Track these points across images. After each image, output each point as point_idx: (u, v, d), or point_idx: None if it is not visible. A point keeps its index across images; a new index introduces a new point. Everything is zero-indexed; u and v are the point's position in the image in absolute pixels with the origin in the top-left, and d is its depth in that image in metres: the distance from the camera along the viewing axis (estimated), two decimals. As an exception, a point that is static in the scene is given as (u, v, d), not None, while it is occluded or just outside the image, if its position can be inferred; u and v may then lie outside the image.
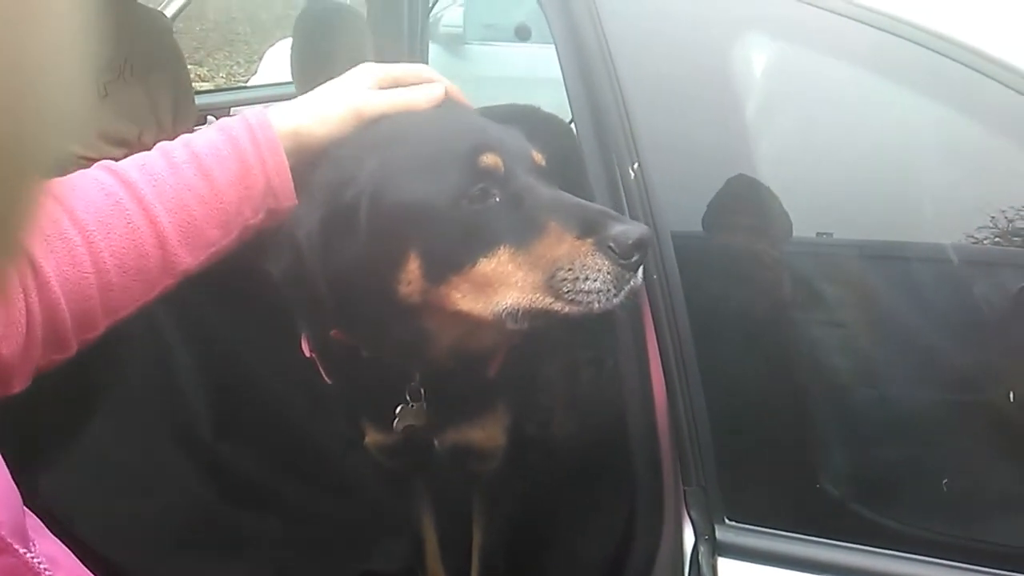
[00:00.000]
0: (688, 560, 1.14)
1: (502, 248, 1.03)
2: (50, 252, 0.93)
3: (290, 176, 1.06)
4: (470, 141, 1.06)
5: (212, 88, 8.16)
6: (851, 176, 1.11)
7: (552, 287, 1.01)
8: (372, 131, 1.13)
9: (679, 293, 1.10)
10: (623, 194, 1.12)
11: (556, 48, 1.18)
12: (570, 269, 1.00)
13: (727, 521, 1.13)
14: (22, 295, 0.89)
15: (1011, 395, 1.06)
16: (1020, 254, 1.06)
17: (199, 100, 3.97)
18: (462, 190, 1.03)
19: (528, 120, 2.14)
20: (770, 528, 1.12)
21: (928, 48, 1.03)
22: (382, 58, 3.04)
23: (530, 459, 1.62)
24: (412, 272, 1.06)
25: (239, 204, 1.04)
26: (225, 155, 1.03)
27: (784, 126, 1.17)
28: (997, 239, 1.02)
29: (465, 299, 1.06)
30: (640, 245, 0.99)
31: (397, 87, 1.16)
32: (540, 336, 1.38)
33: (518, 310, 1.04)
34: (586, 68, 1.15)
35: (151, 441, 1.85)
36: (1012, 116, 0.99)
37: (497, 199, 1.04)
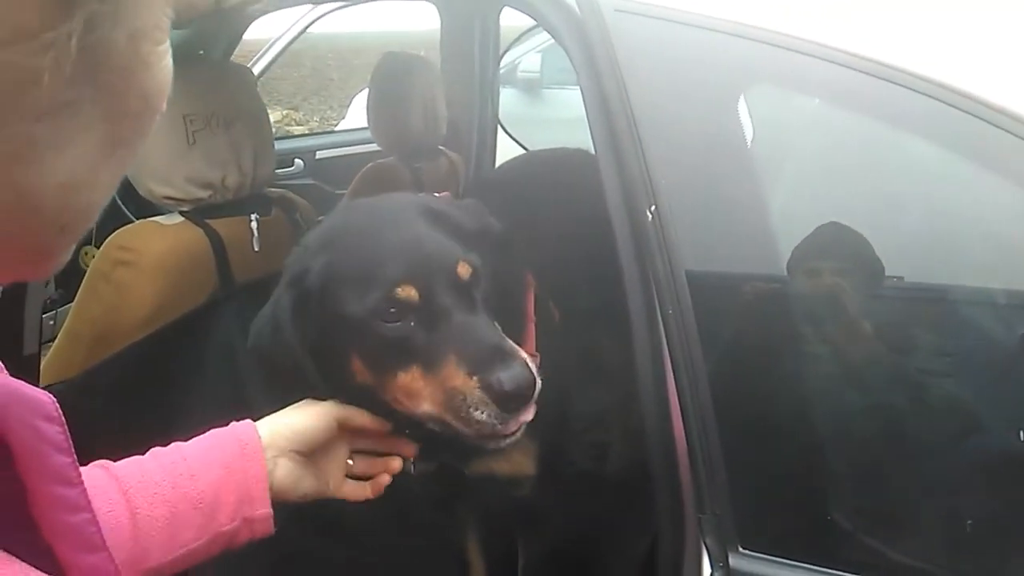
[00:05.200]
0: (704, 586, 1.18)
1: (415, 367, 1.15)
2: None
3: (267, 486, 1.09)
4: (392, 269, 1.16)
5: (306, 132, 8.57)
6: (856, 219, 1.16)
7: (452, 409, 1.12)
8: (326, 226, 1.29)
9: (693, 328, 1.17)
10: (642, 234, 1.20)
11: (583, 100, 1.28)
12: (463, 399, 1.11)
13: (741, 549, 1.17)
14: None
15: (1021, 434, 1.07)
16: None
17: (288, 144, 4.27)
18: (381, 312, 1.14)
19: (576, 162, 2.24)
20: (783, 557, 1.15)
21: (931, 96, 1.08)
22: (453, 104, 3.22)
23: (564, 487, 1.68)
24: (359, 366, 1.20)
25: (216, 508, 1.06)
26: (212, 460, 1.07)
27: (791, 172, 1.23)
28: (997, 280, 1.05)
29: (400, 398, 1.18)
30: (515, 395, 1.09)
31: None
32: (564, 372, 1.47)
33: (434, 419, 1.16)
34: (610, 119, 1.24)
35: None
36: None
37: (412, 323, 1.15)
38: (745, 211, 1.19)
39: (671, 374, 1.19)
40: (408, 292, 1.15)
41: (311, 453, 1.16)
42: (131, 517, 1.00)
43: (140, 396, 1.85)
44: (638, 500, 1.38)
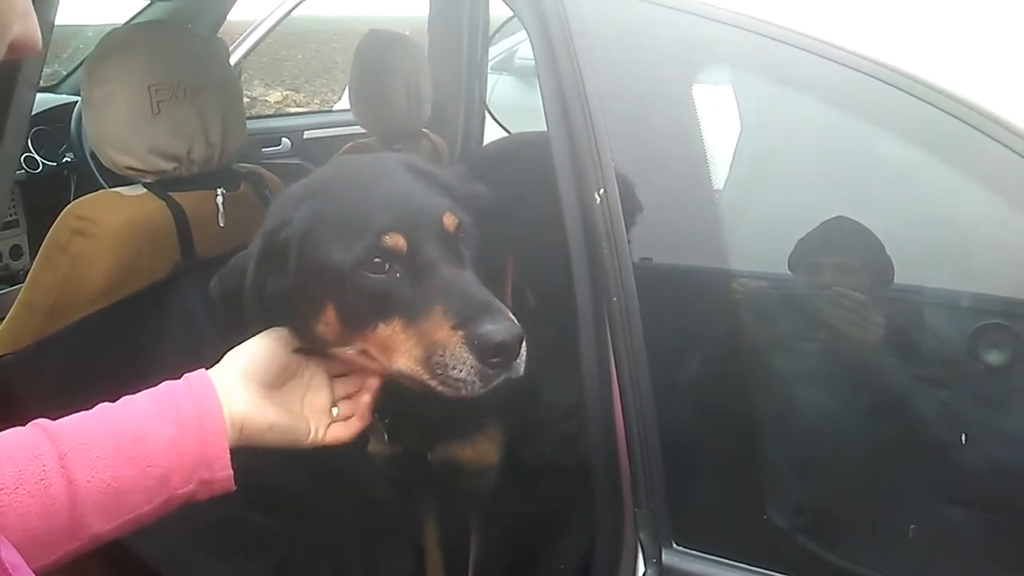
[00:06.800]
0: (638, 582, 1.15)
1: (397, 320, 1.09)
2: None
3: (227, 445, 1.03)
4: (380, 217, 1.11)
5: (302, 111, 8.51)
6: (812, 209, 1.12)
7: (429, 366, 1.07)
8: (312, 178, 1.24)
9: (636, 317, 1.13)
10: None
11: (539, 82, 1.25)
12: (442, 355, 1.05)
13: (675, 546, 1.14)
14: None
15: (963, 437, 1.04)
16: (974, 295, 1.05)
17: (276, 123, 4.23)
18: (366, 262, 1.09)
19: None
20: (716, 555, 1.12)
21: (887, 83, 1.04)
22: (440, 87, 3.17)
23: (521, 478, 1.65)
24: (330, 317, 1.14)
25: (168, 472, 0.99)
26: (163, 418, 1.01)
27: (745, 159, 1.20)
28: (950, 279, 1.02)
29: (371, 352, 1.13)
30: (501, 349, 1.04)
31: None
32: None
33: (407, 375, 1.10)
34: (564, 103, 1.20)
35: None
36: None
37: (398, 275, 1.10)
38: (696, 200, 1.15)
39: (614, 364, 1.16)
40: (396, 241, 1.10)
41: (271, 382, 1.11)
42: (67, 485, 0.94)
43: (93, 369, 1.82)
44: (585, 493, 1.36)
